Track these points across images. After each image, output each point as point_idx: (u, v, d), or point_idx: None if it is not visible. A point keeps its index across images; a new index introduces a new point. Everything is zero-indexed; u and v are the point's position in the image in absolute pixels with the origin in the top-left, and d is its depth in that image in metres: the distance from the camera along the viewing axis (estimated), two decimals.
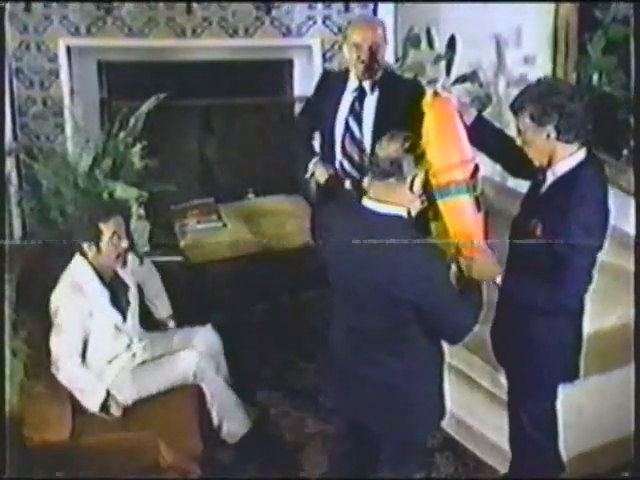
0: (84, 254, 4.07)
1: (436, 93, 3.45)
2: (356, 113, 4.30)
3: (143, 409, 4.08)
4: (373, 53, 4.20)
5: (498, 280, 3.33)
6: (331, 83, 4.48)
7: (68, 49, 5.49)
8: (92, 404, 4.00)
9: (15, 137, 5.51)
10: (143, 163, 5.05)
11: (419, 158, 3.09)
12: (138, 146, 5.06)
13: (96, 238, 4.01)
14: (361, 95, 4.31)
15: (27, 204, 5.32)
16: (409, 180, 3.07)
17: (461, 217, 3.29)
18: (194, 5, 5.47)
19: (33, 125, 5.60)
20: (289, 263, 4.90)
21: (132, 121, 5.11)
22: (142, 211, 5.05)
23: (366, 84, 4.29)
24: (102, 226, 4.02)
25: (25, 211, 5.39)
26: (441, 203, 3.30)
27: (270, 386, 4.77)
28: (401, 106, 3.83)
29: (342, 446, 3.64)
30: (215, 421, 4.27)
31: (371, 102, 4.30)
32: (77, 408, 3.94)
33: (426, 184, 3.20)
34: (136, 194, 4.94)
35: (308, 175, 4.38)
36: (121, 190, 4.93)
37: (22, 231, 5.53)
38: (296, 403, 4.63)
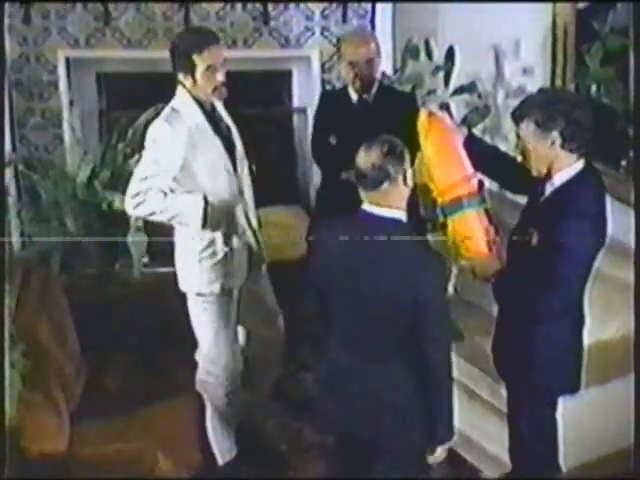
0: (182, 84, 3.99)
1: (431, 113, 3.47)
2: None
3: (142, 419, 4.07)
4: (369, 68, 4.32)
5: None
6: (334, 100, 4.61)
7: (67, 61, 5.51)
8: (194, 220, 3.91)
9: (14, 148, 5.52)
10: None
11: (400, 156, 3.08)
12: (137, 157, 5.05)
13: (191, 69, 3.92)
14: (364, 108, 4.41)
15: (26, 215, 5.31)
16: (401, 178, 3.07)
17: (474, 230, 3.34)
18: (192, 16, 5.49)
19: (32, 136, 5.61)
20: (288, 273, 4.88)
21: (131, 132, 5.12)
22: (140, 223, 5.05)
23: (366, 97, 4.41)
24: (196, 58, 3.91)
25: (24, 222, 5.39)
26: (453, 218, 3.33)
27: (269, 397, 4.76)
28: (395, 119, 3.83)
29: (340, 457, 3.62)
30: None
31: (369, 114, 4.36)
32: (75, 419, 3.93)
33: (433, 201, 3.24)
34: None
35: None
36: (120, 201, 4.92)
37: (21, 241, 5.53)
38: (294, 414, 4.62)
